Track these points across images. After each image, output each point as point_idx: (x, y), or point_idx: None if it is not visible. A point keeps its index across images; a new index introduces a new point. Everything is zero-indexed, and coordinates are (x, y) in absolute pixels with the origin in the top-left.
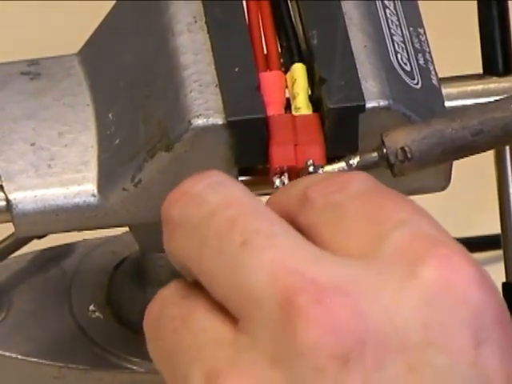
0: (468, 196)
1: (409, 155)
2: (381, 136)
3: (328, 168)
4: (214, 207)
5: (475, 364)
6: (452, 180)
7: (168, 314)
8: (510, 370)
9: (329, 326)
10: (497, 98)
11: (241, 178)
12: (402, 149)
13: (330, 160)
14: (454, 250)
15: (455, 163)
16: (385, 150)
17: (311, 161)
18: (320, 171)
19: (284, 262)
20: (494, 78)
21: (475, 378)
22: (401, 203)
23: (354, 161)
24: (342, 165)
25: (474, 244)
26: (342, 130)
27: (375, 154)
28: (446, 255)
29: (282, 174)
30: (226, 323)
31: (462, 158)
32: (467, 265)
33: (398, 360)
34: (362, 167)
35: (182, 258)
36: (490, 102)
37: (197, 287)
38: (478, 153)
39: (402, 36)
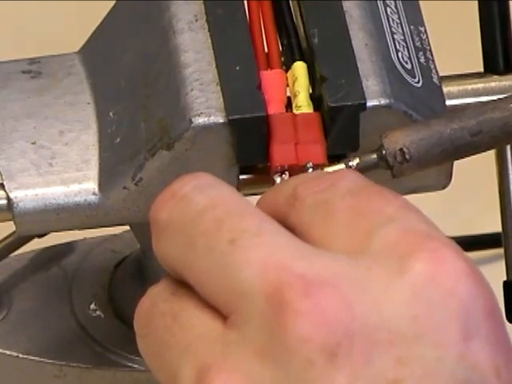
0: (469, 194)
1: (407, 156)
2: (380, 137)
3: (328, 170)
4: (201, 208)
5: (464, 357)
6: (453, 178)
7: (158, 310)
8: (499, 362)
9: (317, 319)
10: (497, 96)
11: (242, 177)
12: (401, 150)
13: (331, 158)
14: (444, 244)
15: (457, 162)
16: (384, 152)
17: (311, 163)
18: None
19: (272, 258)
20: (495, 76)
21: (464, 370)
22: (390, 199)
23: (354, 162)
24: (341, 166)
25: (475, 242)
26: (342, 128)
27: (374, 156)
28: (436, 249)
29: (282, 172)
30: (215, 319)
31: (462, 158)
32: (456, 258)
33: (386, 353)
34: (361, 169)
35: (170, 259)
36: (488, 101)
37: (187, 284)
38: (478, 153)
39: (403, 34)
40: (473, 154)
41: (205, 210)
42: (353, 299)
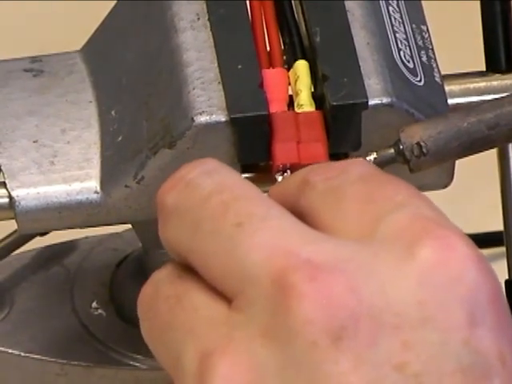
0: (471, 193)
1: (424, 150)
2: (397, 132)
3: None
4: (207, 192)
5: (470, 342)
6: (455, 177)
7: (162, 294)
8: (503, 348)
9: (322, 301)
10: (500, 95)
11: (243, 176)
12: (418, 144)
13: (333, 157)
14: (452, 231)
15: (459, 161)
16: (401, 146)
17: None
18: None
19: (279, 242)
20: (497, 75)
21: (469, 355)
22: (400, 186)
23: (371, 157)
24: None
25: (477, 241)
26: (344, 127)
27: (392, 150)
28: (444, 236)
29: (284, 171)
30: (220, 302)
31: (479, 152)
32: (464, 245)
33: (392, 336)
34: (378, 163)
35: (176, 243)
36: (505, 95)
37: (192, 269)
38: (495, 147)
39: (405, 33)
40: (490, 148)
41: (212, 194)
42: (359, 284)
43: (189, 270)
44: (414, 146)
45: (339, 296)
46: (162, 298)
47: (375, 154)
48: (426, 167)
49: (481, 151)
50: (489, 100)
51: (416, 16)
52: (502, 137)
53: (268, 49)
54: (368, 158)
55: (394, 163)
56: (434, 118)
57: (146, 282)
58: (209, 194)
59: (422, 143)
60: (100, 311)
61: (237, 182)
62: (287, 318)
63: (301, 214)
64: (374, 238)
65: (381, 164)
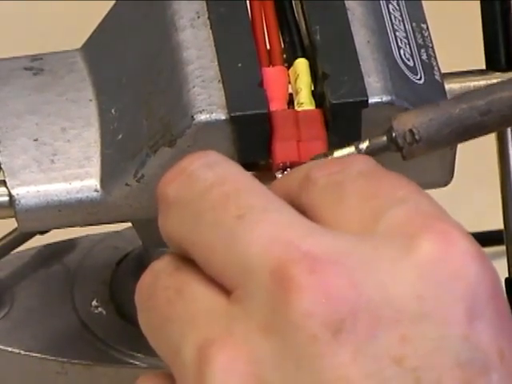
0: (471, 192)
1: (417, 137)
2: (390, 119)
3: (337, 153)
4: (209, 184)
5: (468, 337)
6: (455, 177)
7: (161, 284)
8: (502, 344)
9: (321, 295)
10: None
11: None
12: (411, 131)
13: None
14: (452, 226)
15: (458, 161)
16: (393, 134)
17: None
18: (329, 158)
19: (279, 235)
20: (497, 73)
21: (468, 351)
22: (401, 182)
23: (364, 145)
24: (351, 149)
25: (477, 239)
26: (344, 125)
27: (384, 138)
28: (444, 231)
29: (284, 169)
30: (219, 294)
31: (472, 138)
32: (464, 240)
33: (390, 330)
34: (371, 151)
35: (176, 235)
36: (497, 82)
37: (190, 261)
38: (488, 133)
39: (405, 31)
40: (482, 135)
41: (213, 186)
42: (358, 277)
43: (187, 261)
44: (406, 132)
45: (339, 289)
46: (161, 289)
47: (368, 142)
48: (419, 154)
49: (476, 137)
50: (480, 87)
51: (416, 14)
52: (494, 123)
53: (268, 47)
54: (360, 147)
55: (387, 151)
56: (426, 105)
57: (145, 271)
58: (210, 186)
59: (415, 130)
60: (100, 309)
61: (238, 175)
62: (286, 311)
63: (302, 210)
64: (375, 232)
65: (373, 152)
